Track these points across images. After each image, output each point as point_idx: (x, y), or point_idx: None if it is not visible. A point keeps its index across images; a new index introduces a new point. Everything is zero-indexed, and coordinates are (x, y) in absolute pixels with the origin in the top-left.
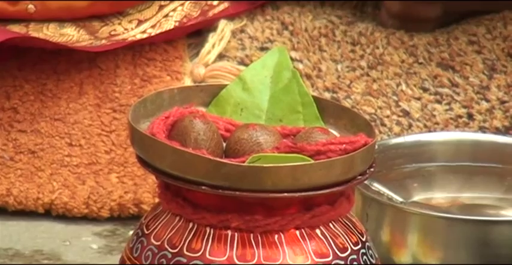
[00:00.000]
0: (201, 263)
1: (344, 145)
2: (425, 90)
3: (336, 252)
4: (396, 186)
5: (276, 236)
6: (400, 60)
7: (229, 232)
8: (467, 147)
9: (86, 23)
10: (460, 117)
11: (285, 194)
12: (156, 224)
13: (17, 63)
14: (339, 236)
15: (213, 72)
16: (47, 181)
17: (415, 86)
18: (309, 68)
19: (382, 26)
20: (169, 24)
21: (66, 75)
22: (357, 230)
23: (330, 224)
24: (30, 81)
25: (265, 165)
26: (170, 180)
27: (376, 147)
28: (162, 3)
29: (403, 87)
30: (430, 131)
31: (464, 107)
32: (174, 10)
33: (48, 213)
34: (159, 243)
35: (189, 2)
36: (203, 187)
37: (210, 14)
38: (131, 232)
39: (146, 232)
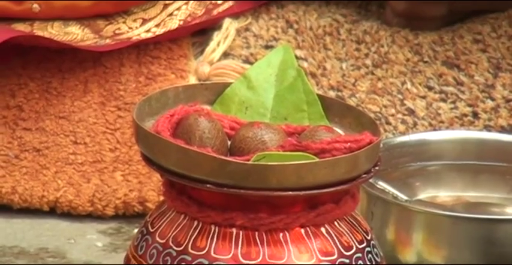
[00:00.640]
0: (206, 261)
1: (349, 143)
2: (430, 88)
3: (341, 251)
4: (401, 185)
5: (281, 234)
6: (405, 58)
7: (234, 231)
8: (473, 145)
9: (91, 22)
10: (465, 115)
11: (290, 192)
12: (161, 222)
13: (22, 62)
14: (344, 234)
15: (217, 70)
16: (52, 179)
17: (420, 84)
18: (313, 67)
19: (387, 24)
20: (173, 23)
21: (71, 74)
22: (362, 228)
23: (335, 222)
24: (35, 80)
25: (270, 164)
26: (175, 178)
27: (381, 145)
28: (167, 2)
29: (408, 85)
30: (435, 130)
31: (470, 105)
32: (178, 9)
33: (53, 211)
34: (163, 241)
35: (193, 1)
36: (208, 185)
37: (215, 12)
38: (136, 230)
39: (151, 230)
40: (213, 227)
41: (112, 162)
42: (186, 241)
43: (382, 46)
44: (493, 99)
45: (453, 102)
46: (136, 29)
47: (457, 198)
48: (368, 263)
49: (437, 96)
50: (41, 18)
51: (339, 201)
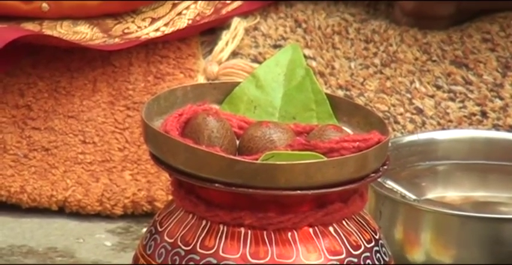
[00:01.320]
0: (214, 260)
1: (357, 143)
2: (438, 87)
3: (349, 250)
4: (409, 184)
5: (289, 234)
6: (413, 57)
7: (243, 230)
8: (481, 145)
9: (100, 21)
10: (474, 114)
11: (298, 192)
12: (170, 221)
13: (31, 61)
14: (352, 234)
15: (226, 69)
16: (61, 179)
17: (428, 83)
18: (322, 66)
19: (396, 23)
20: (182, 22)
21: (79, 73)
22: (370, 228)
23: (343, 222)
24: (44, 79)
25: (278, 163)
26: (183, 178)
27: (390, 144)
28: (176, 1)
29: (417, 84)
30: (443, 129)
31: (478, 104)
32: (187, 8)
33: (62, 211)
34: (172, 240)
35: (202, 0)
36: (216, 184)
37: (224, 11)
38: (144, 230)
39: (159, 229)
40: (221, 226)
41: (121, 162)
42: (195, 241)
43: (391, 45)
44: (501, 99)
45: (462, 101)
46: (145, 28)
47: (465, 198)
48: (376, 262)
49: (445, 95)
50: (50, 17)
51: (347, 200)
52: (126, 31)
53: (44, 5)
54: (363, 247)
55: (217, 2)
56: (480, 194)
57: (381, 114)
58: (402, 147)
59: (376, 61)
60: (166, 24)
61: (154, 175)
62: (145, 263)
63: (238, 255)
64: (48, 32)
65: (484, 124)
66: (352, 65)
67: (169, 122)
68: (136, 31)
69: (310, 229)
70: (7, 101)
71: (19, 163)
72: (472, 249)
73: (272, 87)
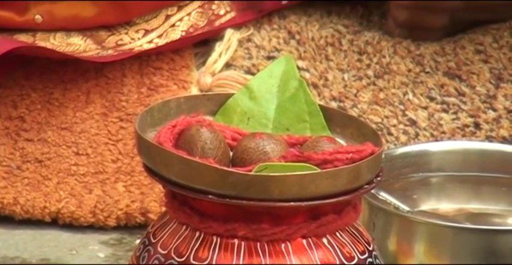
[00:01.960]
0: None
1: (351, 154)
2: (432, 99)
3: (342, 261)
4: (403, 196)
5: (283, 245)
6: (406, 69)
7: (236, 241)
8: (474, 156)
9: (93, 33)
10: (467, 126)
11: (292, 203)
12: (163, 233)
13: (24, 73)
14: (346, 245)
15: (219, 81)
16: (54, 190)
17: (421, 95)
18: (315, 77)
19: (389, 35)
20: (176, 34)
21: (73, 84)
22: (363, 239)
23: (337, 233)
24: (37, 90)
25: (272, 174)
26: (177, 189)
27: (383, 156)
28: (169, 13)
29: (410, 96)
30: (436, 140)
31: (471, 116)
32: (180, 20)
33: (55, 222)
34: (165, 251)
35: (195, 11)
36: (210, 196)
37: (217, 23)
38: (138, 241)
39: (153, 241)
40: (215, 238)
41: (114, 173)
42: (188, 252)
43: (384, 57)
44: (494, 110)
45: (455, 113)
46: (138, 39)
47: (459, 209)
48: None
49: (439, 106)
50: (43, 29)
51: (341, 212)
52: (119, 43)
53: (37, 16)
54: (356, 259)
55: (210, 13)
56: (474, 206)
57: (374, 126)
58: (395, 159)
59: (370, 72)
60: (159, 36)
61: (148, 186)
62: None
63: None
64: (42, 44)
65: (478, 135)
66: (346, 76)
67: (163, 134)
68: (130, 43)
69: (304, 241)
70: (0, 113)
71: (12, 174)
72: (465, 261)
73: (266, 99)
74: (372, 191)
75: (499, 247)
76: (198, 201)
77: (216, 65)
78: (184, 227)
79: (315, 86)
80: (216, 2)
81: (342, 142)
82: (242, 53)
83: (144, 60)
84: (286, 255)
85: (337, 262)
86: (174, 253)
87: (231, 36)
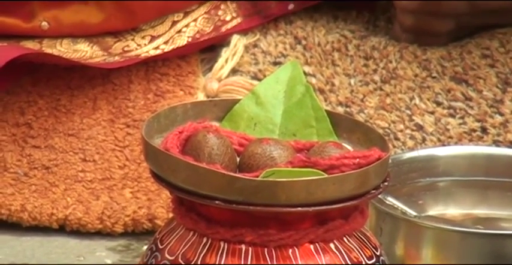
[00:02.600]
0: None
1: (358, 159)
2: (438, 104)
3: None
4: (410, 200)
5: (290, 250)
6: (413, 74)
7: (243, 247)
8: (482, 161)
9: (100, 39)
10: (474, 131)
11: (299, 208)
12: (170, 239)
13: (31, 79)
14: (353, 250)
15: (226, 86)
16: (61, 197)
17: (428, 99)
18: (322, 83)
19: (395, 40)
20: (182, 40)
21: (80, 91)
22: (371, 244)
23: (344, 238)
24: (44, 97)
25: (279, 180)
26: (184, 195)
27: (390, 161)
28: (175, 18)
29: (417, 101)
30: (443, 145)
31: (478, 120)
32: (187, 26)
33: (63, 229)
34: (173, 257)
35: (202, 17)
36: (217, 202)
37: (223, 29)
38: (145, 247)
39: (160, 247)
40: (222, 243)
41: (121, 179)
42: (196, 258)
43: (391, 62)
44: (501, 114)
45: (462, 118)
46: (145, 46)
47: (466, 214)
48: None
49: (445, 111)
50: (49, 35)
51: (348, 217)
52: (126, 49)
53: (44, 23)
54: (363, 264)
55: (216, 19)
56: (481, 210)
57: (381, 131)
58: (402, 164)
59: (376, 78)
60: (166, 42)
61: (155, 193)
62: None
63: None
64: (48, 50)
65: (484, 140)
66: (352, 81)
67: (170, 140)
68: (136, 49)
69: (311, 246)
70: (7, 119)
71: (19, 181)
72: None
73: (272, 104)
74: (379, 196)
75: (506, 252)
76: (205, 207)
77: (223, 71)
78: (191, 233)
79: (322, 91)
80: (222, 7)
81: (349, 147)
82: (248, 59)
83: (151, 66)
84: (293, 260)
85: None
86: (181, 259)
87: (237, 42)
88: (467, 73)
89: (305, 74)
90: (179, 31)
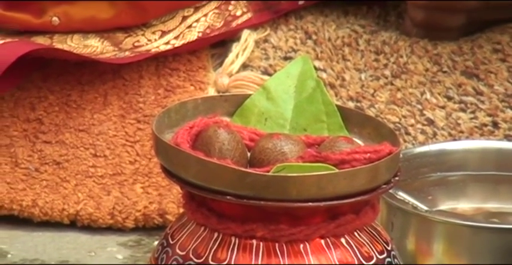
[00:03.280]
0: None
1: (368, 154)
2: (449, 98)
3: (361, 261)
4: (421, 195)
5: (301, 245)
6: (424, 68)
7: (255, 242)
8: (492, 155)
9: (110, 35)
10: (485, 125)
11: (310, 203)
12: (181, 234)
13: (42, 75)
14: (364, 245)
15: (237, 82)
16: (72, 192)
17: (439, 94)
18: (332, 77)
19: (406, 34)
20: (192, 35)
21: (90, 86)
22: (382, 239)
23: (355, 233)
24: (55, 92)
25: (290, 175)
26: (195, 190)
27: (401, 156)
28: (186, 14)
29: (428, 95)
30: (454, 140)
31: (489, 115)
32: (197, 21)
33: (74, 224)
34: (184, 253)
35: (212, 12)
36: (228, 197)
37: (234, 24)
38: (156, 243)
39: (171, 242)
40: (233, 239)
41: (132, 175)
42: (207, 253)
43: (401, 56)
44: None
45: (473, 112)
46: (155, 41)
47: (477, 209)
48: None
49: (456, 106)
50: (60, 31)
51: (359, 212)
52: (136, 44)
53: (55, 18)
54: (375, 259)
55: (227, 14)
56: (492, 205)
57: (391, 126)
58: (413, 158)
59: (387, 72)
60: (176, 37)
61: (166, 188)
62: None
63: None
64: (59, 46)
65: (496, 134)
66: (363, 76)
67: (180, 135)
68: (147, 44)
69: (322, 241)
70: (18, 115)
71: (30, 177)
72: (484, 260)
73: (283, 99)
74: (390, 191)
75: None
76: (216, 202)
77: (233, 66)
78: (202, 228)
79: (332, 86)
80: (232, 2)
81: (360, 142)
82: (259, 54)
83: (161, 61)
84: (304, 255)
85: (356, 262)
86: (192, 254)
87: (248, 37)
88: (478, 67)
89: (315, 68)
90: (189, 26)
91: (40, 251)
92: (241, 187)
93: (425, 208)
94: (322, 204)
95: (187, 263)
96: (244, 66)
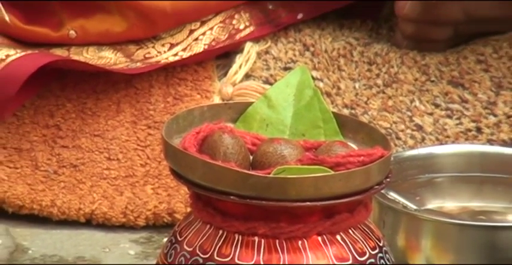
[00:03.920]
0: None
1: (362, 157)
2: (437, 106)
3: (355, 256)
4: (410, 195)
5: (300, 242)
6: (413, 78)
7: (256, 239)
8: (477, 158)
9: (123, 47)
10: (470, 130)
11: (308, 203)
12: (188, 232)
13: (60, 84)
14: (358, 241)
15: (240, 90)
16: (88, 193)
17: (427, 102)
18: (329, 87)
19: (397, 46)
20: (199, 47)
21: (104, 95)
22: (374, 236)
23: (350, 230)
24: (72, 101)
25: (289, 177)
26: (201, 191)
27: (392, 159)
28: (192, 27)
29: (417, 103)
30: (441, 144)
31: (473, 121)
32: (203, 34)
33: (89, 222)
34: (191, 249)
35: (217, 26)
36: (232, 197)
37: (237, 37)
38: (165, 240)
39: (179, 239)
40: (236, 236)
41: (143, 177)
42: (212, 249)
43: (392, 67)
44: (495, 115)
45: (458, 118)
46: (164, 53)
47: (462, 208)
48: None
49: (443, 113)
50: (77, 43)
51: (353, 211)
52: (147, 56)
53: (72, 32)
54: (368, 254)
55: (231, 28)
56: (476, 204)
57: (383, 131)
58: (403, 161)
59: (379, 82)
60: (184, 49)
61: (174, 189)
62: None
63: (252, 262)
64: (75, 57)
65: (479, 139)
66: (357, 85)
67: (188, 140)
68: (157, 56)
69: (319, 238)
70: (38, 121)
71: (49, 179)
72: (469, 255)
73: (283, 107)
74: (382, 191)
75: (499, 242)
76: (220, 202)
77: (237, 76)
78: (208, 226)
79: (329, 95)
80: (236, 17)
81: (354, 146)
82: (260, 65)
83: (170, 71)
84: (302, 251)
85: (350, 258)
86: (199, 250)
87: (250, 49)
88: (463, 77)
89: (313, 78)
90: (196, 39)
91: (58, 247)
92: (244, 188)
93: (415, 207)
94: (319, 203)
95: (194, 259)
96: (247, 76)
